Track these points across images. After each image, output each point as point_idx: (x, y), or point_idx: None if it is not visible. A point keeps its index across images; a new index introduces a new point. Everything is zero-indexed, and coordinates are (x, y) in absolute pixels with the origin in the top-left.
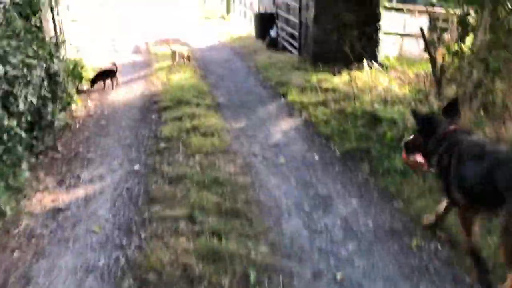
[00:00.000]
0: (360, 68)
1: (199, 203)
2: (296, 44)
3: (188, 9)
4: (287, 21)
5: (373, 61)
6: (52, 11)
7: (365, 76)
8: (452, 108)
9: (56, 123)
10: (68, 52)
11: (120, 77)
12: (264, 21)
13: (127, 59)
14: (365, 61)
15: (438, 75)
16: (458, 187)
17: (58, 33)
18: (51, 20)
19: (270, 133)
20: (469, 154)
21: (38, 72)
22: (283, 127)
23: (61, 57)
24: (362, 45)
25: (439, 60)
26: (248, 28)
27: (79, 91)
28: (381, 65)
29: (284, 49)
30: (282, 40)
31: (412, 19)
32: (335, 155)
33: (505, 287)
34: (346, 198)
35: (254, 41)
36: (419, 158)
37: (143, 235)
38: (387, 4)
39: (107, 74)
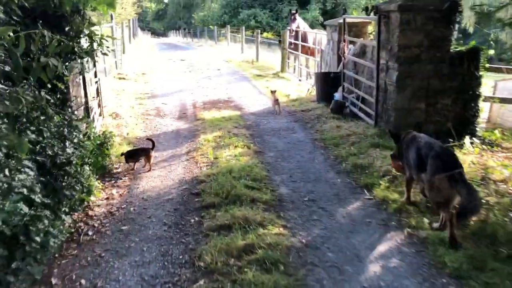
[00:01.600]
0: (459, 146)
1: None
2: (370, 111)
3: (239, 66)
4: (357, 83)
5: (472, 137)
6: (82, 73)
7: (469, 158)
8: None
9: (52, 241)
10: (105, 118)
11: (160, 152)
12: (328, 82)
13: (171, 127)
14: (467, 138)
15: None
16: (407, 165)
17: (91, 99)
18: (82, 86)
19: (361, 260)
20: (412, 144)
21: (27, 175)
22: (380, 249)
23: (80, 136)
24: (459, 115)
25: None
26: (306, 88)
27: (105, 174)
28: (483, 140)
29: (353, 116)
30: (351, 105)
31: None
32: None
33: (444, 224)
34: None
35: (316, 104)
36: (400, 163)
37: None
38: (487, 65)
39: (140, 154)
